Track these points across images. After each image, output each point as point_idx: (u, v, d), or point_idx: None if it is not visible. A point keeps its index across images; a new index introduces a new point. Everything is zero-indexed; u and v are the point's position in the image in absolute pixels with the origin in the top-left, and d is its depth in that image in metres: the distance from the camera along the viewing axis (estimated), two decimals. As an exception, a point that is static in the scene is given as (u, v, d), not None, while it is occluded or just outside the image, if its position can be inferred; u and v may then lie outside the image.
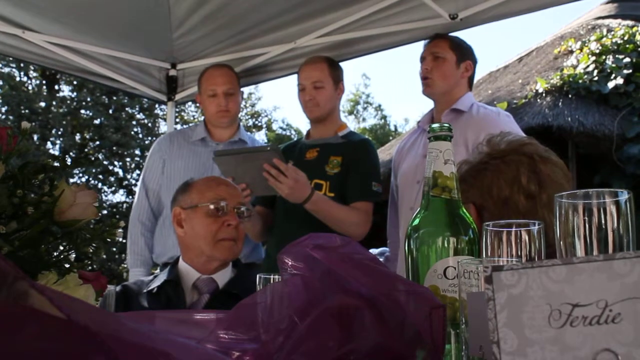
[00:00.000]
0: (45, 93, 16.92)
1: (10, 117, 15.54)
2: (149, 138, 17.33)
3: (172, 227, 3.29)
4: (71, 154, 16.24)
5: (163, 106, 9.73)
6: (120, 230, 1.06)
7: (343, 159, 3.04)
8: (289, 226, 2.94)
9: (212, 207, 2.23)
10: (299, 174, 2.79)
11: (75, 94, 17.17)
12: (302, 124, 24.74)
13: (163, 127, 17.54)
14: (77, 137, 17.06)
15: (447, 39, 3.09)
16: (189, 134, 3.49)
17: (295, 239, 1.07)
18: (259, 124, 21.99)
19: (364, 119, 25.93)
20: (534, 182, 1.65)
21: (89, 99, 16.74)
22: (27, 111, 15.97)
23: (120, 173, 17.29)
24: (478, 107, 3.00)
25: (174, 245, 3.25)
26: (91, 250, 1.02)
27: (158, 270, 3.26)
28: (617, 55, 6.28)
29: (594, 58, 6.37)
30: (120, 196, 17.46)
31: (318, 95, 3.10)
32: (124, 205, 16.81)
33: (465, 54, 3.03)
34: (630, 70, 6.08)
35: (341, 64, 3.34)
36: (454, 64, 2.99)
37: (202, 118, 3.99)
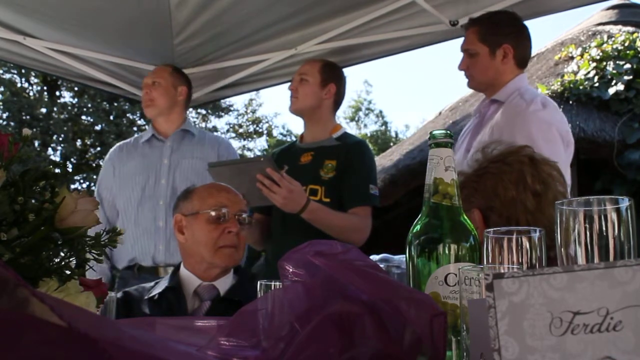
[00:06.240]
0: (46, 99, 16.93)
1: (12, 123, 15.57)
2: (150, 144, 17.31)
3: (127, 230, 3.31)
4: (72, 160, 16.25)
5: (164, 112, 9.74)
6: (121, 236, 1.06)
7: (338, 163, 2.98)
8: (287, 233, 2.91)
9: (213, 214, 2.23)
10: (293, 183, 2.75)
11: (76, 100, 17.19)
12: (302, 130, 24.74)
13: (164, 133, 17.51)
14: (78, 143, 17.07)
15: (475, 30, 2.82)
16: (137, 139, 3.59)
17: (293, 247, 1.07)
18: (260, 130, 21.98)
19: (365, 126, 26.01)
20: (538, 181, 1.66)
21: (90, 105, 16.76)
22: (28, 117, 15.99)
23: (121, 179, 17.28)
24: (515, 97, 2.74)
25: (132, 247, 3.23)
26: (92, 257, 1.02)
27: (118, 275, 3.27)
28: (617, 62, 6.27)
29: (594, 64, 6.36)
30: (120, 202, 17.44)
31: (300, 87, 3.11)
32: (125, 211, 16.77)
33: (498, 39, 2.77)
34: (631, 77, 6.07)
35: (342, 70, 3.33)
36: (487, 56, 2.77)
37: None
